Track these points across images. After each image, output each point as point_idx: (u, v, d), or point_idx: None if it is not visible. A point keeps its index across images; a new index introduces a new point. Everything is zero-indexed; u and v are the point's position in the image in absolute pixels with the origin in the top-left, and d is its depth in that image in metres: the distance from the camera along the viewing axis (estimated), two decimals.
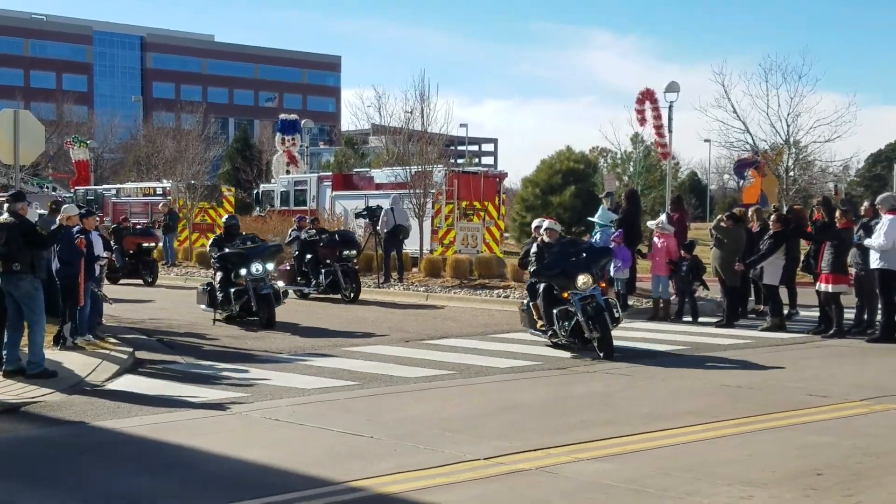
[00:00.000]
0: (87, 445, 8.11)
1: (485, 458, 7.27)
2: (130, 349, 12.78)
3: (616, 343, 13.69)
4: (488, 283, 20.72)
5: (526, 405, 9.51)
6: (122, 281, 23.49)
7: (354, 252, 20.64)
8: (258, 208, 34.53)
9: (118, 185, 40.78)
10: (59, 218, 13.56)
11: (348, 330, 15.25)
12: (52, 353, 11.88)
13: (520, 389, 10.44)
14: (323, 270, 19.96)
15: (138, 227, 26.68)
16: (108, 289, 16.55)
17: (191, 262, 28.63)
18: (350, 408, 9.44)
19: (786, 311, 16.14)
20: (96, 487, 6.78)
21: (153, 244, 24.84)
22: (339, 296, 19.84)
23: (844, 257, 14.26)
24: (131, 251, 24.23)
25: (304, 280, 20.41)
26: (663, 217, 17.84)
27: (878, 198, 14.44)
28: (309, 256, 20.31)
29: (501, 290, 19.71)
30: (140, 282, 24.17)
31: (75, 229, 12.97)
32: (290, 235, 21.33)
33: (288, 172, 36.56)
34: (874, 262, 13.63)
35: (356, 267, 20.57)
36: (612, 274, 16.94)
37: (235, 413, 9.19)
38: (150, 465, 7.42)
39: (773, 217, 15.70)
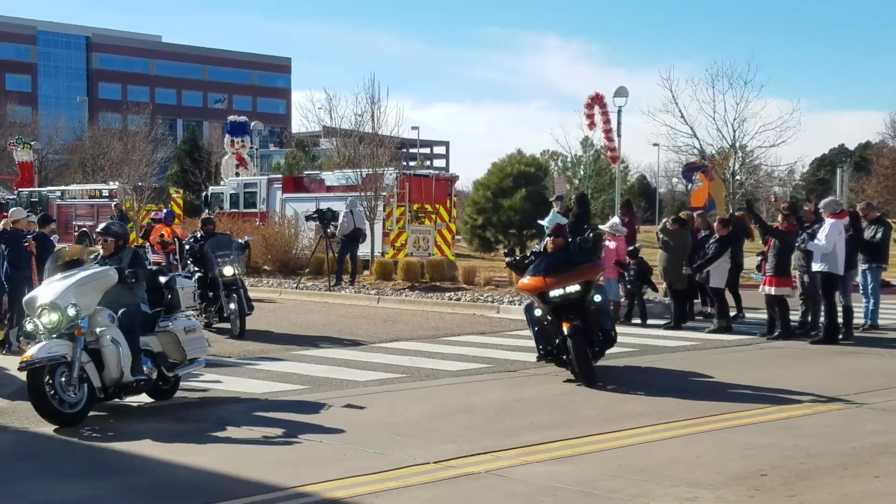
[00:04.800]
0: (28, 452, 7.95)
1: (434, 462, 7.27)
2: None
3: None
4: (440, 285, 20.72)
5: (476, 408, 9.52)
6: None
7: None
8: (207, 211, 34.20)
9: (63, 187, 40.06)
10: (1, 223, 13.40)
11: (298, 333, 15.16)
12: None
13: (470, 392, 10.46)
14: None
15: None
16: None
17: None
18: (299, 412, 9.37)
19: (732, 314, 16.40)
20: (37, 496, 6.65)
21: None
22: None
23: (787, 260, 14.50)
24: None
25: None
26: (616, 220, 18.00)
27: (822, 202, 14.73)
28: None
29: (453, 293, 19.74)
30: None
31: (28, 233, 12.84)
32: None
33: (237, 174, 36.26)
34: (816, 265, 13.89)
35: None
36: None
37: (180, 417, 9.07)
38: (94, 471, 7.30)
39: (717, 221, 15.92)
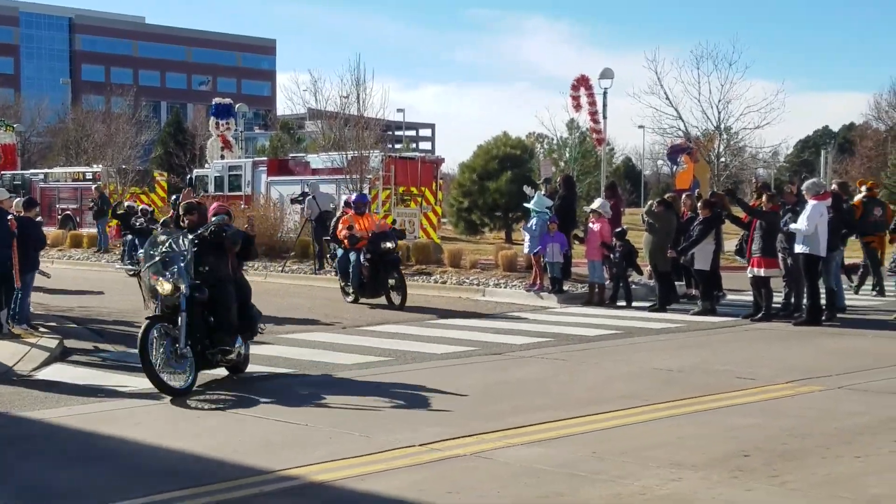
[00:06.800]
0: (12, 437, 7.92)
1: (420, 445, 7.28)
2: (59, 338, 12.52)
3: (551, 328, 13.87)
4: (425, 268, 20.71)
5: (461, 391, 9.54)
6: None
7: None
8: (192, 194, 34.05)
9: (46, 170, 39.77)
10: None
11: (284, 317, 15.12)
12: None
13: (455, 375, 10.47)
14: None
15: None
16: None
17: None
18: (285, 395, 9.37)
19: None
20: (22, 481, 6.63)
21: None
22: None
23: (774, 241, 14.53)
24: None
25: None
26: (601, 200, 18.01)
27: (805, 184, 14.77)
28: None
29: (439, 276, 19.73)
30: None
31: (11, 215, 12.81)
32: None
33: (222, 157, 36.08)
34: (798, 246, 13.94)
35: None
36: (546, 259, 17.09)
37: (167, 402, 9.06)
38: (79, 456, 7.28)
39: (700, 203, 15.95)
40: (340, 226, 17.03)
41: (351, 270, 16.60)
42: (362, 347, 12.24)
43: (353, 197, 18.20)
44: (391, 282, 16.39)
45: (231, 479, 6.51)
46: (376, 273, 16.30)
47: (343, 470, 6.66)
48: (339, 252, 17.20)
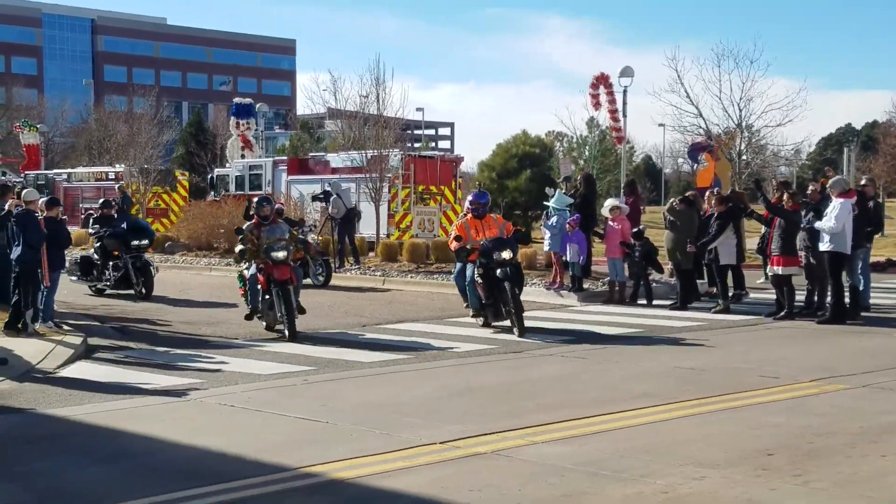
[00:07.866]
0: (37, 434, 7.97)
1: (441, 443, 7.27)
2: (83, 335, 12.60)
3: (572, 326, 13.84)
4: (445, 267, 20.69)
5: (482, 389, 9.52)
6: None
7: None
8: (213, 193, 34.20)
9: (69, 170, 40.06)
10: (7, 203, 13.43)
11: (304, 314, 15.14)
12: (1, 340, 11.68)
13: (476, 373, 10.46)
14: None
15: None
16: None
17: None
18: (306, 393, 9.40)
19: (732, 293, 16.33)
20: (46, 478, 6.66)
21: None
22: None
23: (794, 239, 14.43)
24: None
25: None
26: (612, 201, 17.90)
27: (830, 181, 14.65)
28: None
29: None
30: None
31: (40, 215, 12.92)
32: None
33: (243, 157, 36.21)
34: (824, 244, 13.83)
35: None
36: (567, 258, 17.04)
37: (190, 400, 9.10)
38: (102, 454, 7.32)
39: (714, 199, 15.84)
40: (453, 233, 14.17)
41: (467, 288, 13.81)
42: (382, 345, 12.25)
43: (471, 196, 14.67)
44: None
45: (253, 476, 6.51)
46: (491, 290, 13.42)
47: (365, 467, 6.67)
48: (457, 265, 14.38)
